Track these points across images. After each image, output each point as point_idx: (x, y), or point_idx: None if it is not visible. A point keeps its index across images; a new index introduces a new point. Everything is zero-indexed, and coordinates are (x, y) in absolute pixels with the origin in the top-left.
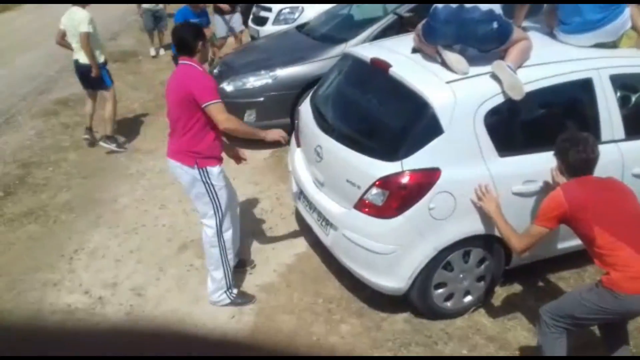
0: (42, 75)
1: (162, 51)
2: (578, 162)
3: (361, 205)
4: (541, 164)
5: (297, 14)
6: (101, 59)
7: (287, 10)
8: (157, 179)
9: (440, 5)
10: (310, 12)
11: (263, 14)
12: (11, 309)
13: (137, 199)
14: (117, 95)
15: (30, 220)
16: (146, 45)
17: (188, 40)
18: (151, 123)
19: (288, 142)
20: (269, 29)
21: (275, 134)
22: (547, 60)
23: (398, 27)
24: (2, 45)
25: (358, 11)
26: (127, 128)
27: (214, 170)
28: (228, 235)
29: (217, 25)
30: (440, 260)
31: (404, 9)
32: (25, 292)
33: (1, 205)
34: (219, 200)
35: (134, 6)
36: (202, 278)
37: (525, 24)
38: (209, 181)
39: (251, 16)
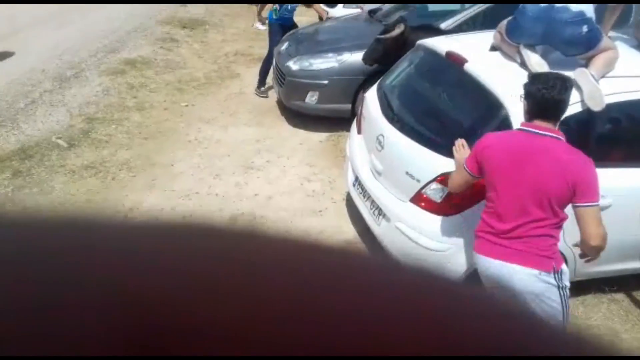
0: (114, 34)
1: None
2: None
3: (418, 199)
4: (612, 180)
5: None
6: None
7: None
8: (214, 149)
9: (529, 4)
10: None
11: None
12: None
13: (193, 166)
14: (183, 62)
15: (90, 174)
16: (214, 15)
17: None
18: (212, 93)
19: None
20: (339, 11)
21: None
22: (632, 73)
23: (474, 23)
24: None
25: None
26: (190, 96)
27: (565, 268)
28: None
29: None
30: None
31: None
32: None
33: (65, 156)
34: (567, 302)
35: None
36: None
37: (611, 33)
38: (562, 284)
39: None
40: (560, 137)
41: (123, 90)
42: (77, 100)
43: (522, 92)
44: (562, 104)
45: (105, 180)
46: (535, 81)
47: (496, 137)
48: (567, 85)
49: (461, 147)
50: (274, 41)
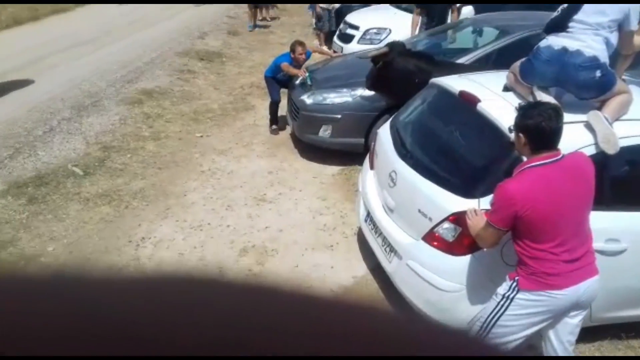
0: (132, 65)
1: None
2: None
3: (430, 237)
4: (628, 224)
5: (383, 35)
6: None
7: (374, 30)
8: (227, 180)
9: (543, 45)
10: (397, 35)
11: (349, 31)
12: None
13: (206, 197)
14: (199, 93)
15: (104, 202)
16: (231, 48)
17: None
18: (227, 124)
19: None
20: (353, 47)
21: None
22: None
23: (486, 61)
24: (99, 32)
25: (446, 40)
26: (205, 126)
27: None
28: None
29: None
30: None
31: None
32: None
33: (80, 183)
34: None
35: (224, 8)
36: None
37: (625, 76)
38: None
39: (337, 32)
40: (562, 153)
41: (139, 120)
42: (94, 129)
43: (512, 124)
44: (560, 131)
45: (118, 208)
46: (530, 114)
47: (524, 186)
48: (559, 112)
49: (474, 214)
50: (274, 92)
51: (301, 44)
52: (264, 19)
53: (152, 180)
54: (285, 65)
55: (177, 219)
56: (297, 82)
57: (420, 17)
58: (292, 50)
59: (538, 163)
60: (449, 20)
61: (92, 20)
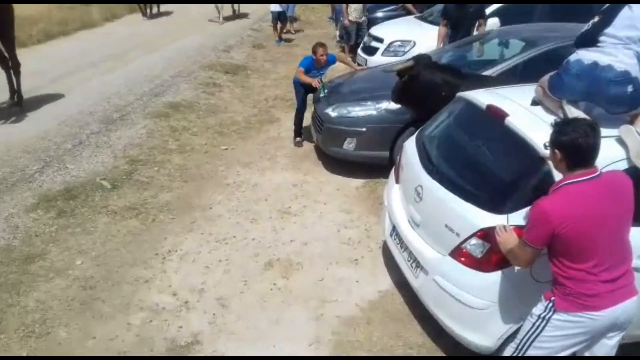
0: (159, 78)
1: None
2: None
3: (458, 253)
4: None
5: (407, 48)
6: None
7: (398, 43)
8: (252, 193)
9: (573, 59)
10: (421, 47)
11: (374, 44)
12: (104, 299)
13: (231, 210)
14: (224, 106)
15: (132, 216)
16: (256, 61)
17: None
18: (252, 137)
19: None
20: (377, 59)
21: None
22: None
23: (513, 74)
24: (128, 46)
25: (472, 52)
26: (230, 139)
27: None
28: None
29: None
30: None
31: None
32: (118, 285)
33: (108, 197)
34: None
35: (248, 22)
36: (284, 298)
37: None
38: None
39: (362, 44)
40: (600, 170)
41: (166, 133)
42: (122, 142)
43: (547, 140)
44: (598, 148)
45: (145, 222)
46: (567, 131)
47: (560, 204)
48: (596, 128)
49: (503, 230)
50: (299, 99)
51: (322, 45)
52: (287, 32)
53: (178, 193)
54: (299, 71)
55: (202, 232)
56: (321, 95)
57: (447, 29)
58: (314, 52)
59: (575, 180)
60: (474, 33)
61: (119, 35)
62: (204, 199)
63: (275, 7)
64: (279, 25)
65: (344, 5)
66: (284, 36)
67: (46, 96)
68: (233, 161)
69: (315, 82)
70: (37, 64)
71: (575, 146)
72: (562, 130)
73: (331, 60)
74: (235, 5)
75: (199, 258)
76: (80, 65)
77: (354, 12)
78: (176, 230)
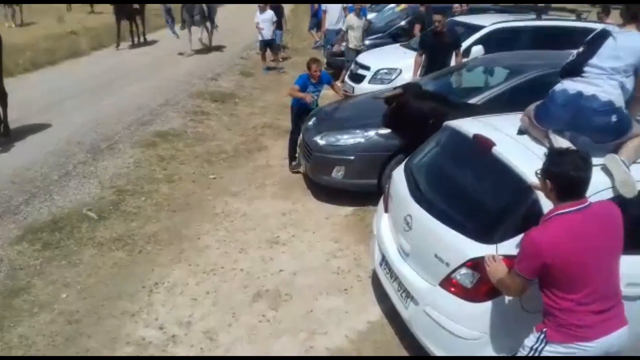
0: (147, 107)
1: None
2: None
3: (448, 283)
4: None
5: (394, 75)
6: None
7: (385, 70)
8: (240, 222)
9: (558, 89)
10: (408, 75)
11: (361, 72)
12: (90, 334)
13: (219, 240)
14: (212, 134)
15: (118, 247)
16: (244, 89)
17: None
18: (240, 165)
19: None
20: (365, 87)
21: None
22: None
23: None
24: (115, 75)
25: (458, 80)
26: (218, 168)
27: None
28: None
29: None
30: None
31: None
32: (104, 319)
33: (94, 228)
34: None
35: (237, 50)
36: (273, 331)
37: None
38: None
39: (348, 72)
40: (589, 199)
41: (154, 162)
42: (109, 172)
43: (539, 169)
44: (589, 180)
45: (132, 253)
46: (559, 162)
47: (551, 235)
48: (588, 161)
49: (492, 260)
50: (295, 119)
51: (316, 61)
52: (275, 59)
53: (165, 224)
54: (291, 89)
55: (190, 263)
56: (310, 124)
57: (421, 59)
58: (308, 67)
59: (565, 211)
60: (452, 63)
61: (107, 63)
62: (192, 229)
63: (264, 36)
64: (268, 53)
65: (343, 32)
66: (272, 64)
67: (33, 126)
68: (221, 190)
69: (308, 97)
70: (24, 93)
71: (567, 179)
72: (555, 162)
73: (326, 79)
74: (205, 39)
75: (186, 290)
76: (68, 95)
77: (354, 39)
78: (163, 261)
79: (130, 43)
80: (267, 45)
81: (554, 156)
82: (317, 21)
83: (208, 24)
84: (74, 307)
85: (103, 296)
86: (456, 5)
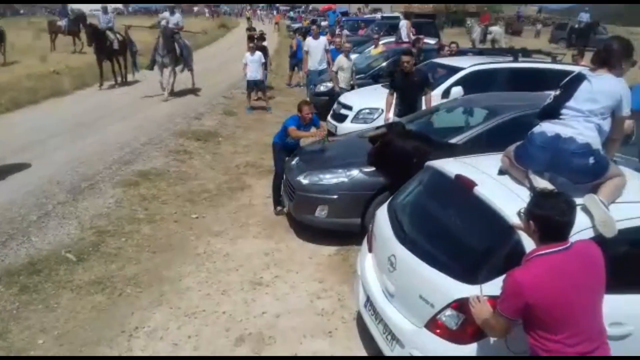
0: (129, 146)
1: None
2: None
3: (433, 325)
4: (632, 307)
5: (375, 115)
6: None
7: (367, 110)
8: (223, 263)
9: (537, 131)
10: (390, 114)
11: (343, 111)
12: None
13: (201, 281)
14: (195, 173)
15: (97, 290)
16: (227, 127)
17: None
18: (223, 205)
19: None
20: (347, 126)
21: None
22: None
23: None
24: (98, 114)
25: (438, 120)
26: (201, 207)
27: None
28: None
29: None
30: None
31: None
32: None
33: (73, 270)
34: None
35: (220, 89)
36: None
37: (617, 157)
38: None
39: (331, 112)
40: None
41: (135, 202)
42: (89, 213)
43: (523, 209)
44: (573, 224)
45: (111, 296)
46: (544, 206)
47: (533, 275)
48: (573, 206)
49: (477, 301)
50: (277, 161)
51: (307, 103)
52: (259, 99)
53: (146, 265)
54: (292, 129)
55: (171, 306)
56: (293, 163)
57: (393, 98)
58: (300, 109)
59: (547, 251)
60: (423, 105)
61: (89, 103)
62: (173, 271)
63: (254, 77)
64: (254, 93)
65: (332, 72)
66: (255, 104)
67: (13, 166)
68: (203, 230)
69: (319, 134)
70: (4, 133)
71: (551, 222)
72: (539, 204)
73: (316, 122)
74: (171, 85)
75: (167, 334)
76: (50, 134)
77: (343, 80)
78: (144, 304)
79: (113, 82)
80: (255, 85)
81: (539, 198)
82: (296, 61)
83: (178, 69)
84: (50, 354)
85: (81, 342)
86: (447, 48)
